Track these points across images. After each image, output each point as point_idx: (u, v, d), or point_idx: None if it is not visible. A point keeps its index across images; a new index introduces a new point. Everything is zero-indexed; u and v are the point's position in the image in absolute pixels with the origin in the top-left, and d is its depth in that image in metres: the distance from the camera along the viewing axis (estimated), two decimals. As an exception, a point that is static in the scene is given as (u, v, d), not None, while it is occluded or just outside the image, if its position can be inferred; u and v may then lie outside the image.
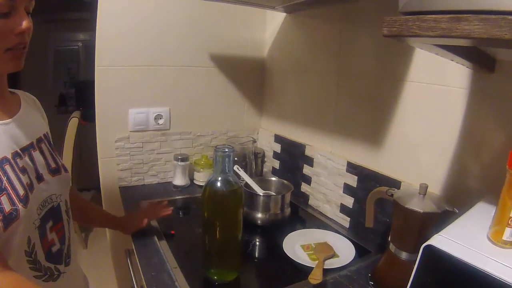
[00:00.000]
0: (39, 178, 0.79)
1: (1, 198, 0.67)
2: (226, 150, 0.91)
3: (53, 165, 0.85)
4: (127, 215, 1.28)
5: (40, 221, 0.77)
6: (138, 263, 1.08)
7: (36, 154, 0.81)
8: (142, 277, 1.02)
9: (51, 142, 0.91)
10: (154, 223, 1.29)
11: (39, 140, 0.84)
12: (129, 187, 1.65)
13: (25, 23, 0.70)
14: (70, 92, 4.42)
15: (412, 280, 0.66)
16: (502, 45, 0.60)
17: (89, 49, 4.27)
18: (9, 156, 0.72)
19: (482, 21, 0.46)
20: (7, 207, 0.67)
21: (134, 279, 1.21)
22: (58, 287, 0.82)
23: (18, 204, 0.69)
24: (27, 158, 0.77)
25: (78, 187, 3.20)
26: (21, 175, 0.73)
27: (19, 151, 0.75)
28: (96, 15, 1.46)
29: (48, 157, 0.85)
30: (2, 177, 0.69)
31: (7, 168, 0.70)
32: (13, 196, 0.69)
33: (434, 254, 0.62)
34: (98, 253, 2.16)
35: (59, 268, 0.83)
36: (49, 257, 0.79)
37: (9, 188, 0.69)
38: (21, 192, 0.71)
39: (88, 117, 2.99)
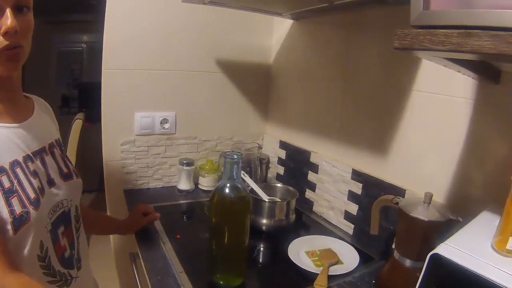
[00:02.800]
0: (51, 182, 0.80)
1: (12, 200, 0.68)
2: (235, 156, 0.92)
3: (65, 170, 0.86)
4: (129, 217, 1.29)
5: (52, 225, 0.77)
6: (144, 267, 1.08)
7: (48, 159, 0.81)
8: (148, 281, 1.02)
9: (63, 148, 0.91)
10: (159, 227, 1.30)
11: (51, 145, 0.85)
12: (134, 191, 1.66)
13: (10, 22, 0.66)
14: (73, 94, 4.44)
15: (418, 287, 0.67)
16: (510, 60, 0.62)
17: (93, 50, 4.29)
18: (20, 160, 0.73)
19: (491, 37, 0.48)
20: (17, 209, 0.68)
21: (139, 283, 1.21)
22: None
23: (29, 206, 0.70)
24: (38, 162, 0.77)
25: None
26: (32, 179, 0.73)
27: (30, 154, 0.76)
28: (101, 17, 1.47)
29: (60, 162, 0.86)
30: (13, 179, 0.70)
31: (18, 171, 0.71)
32: (24, 198, 0.70)
33: (440, 262, 0.63)
34: (100, 255, 2.16)
35: (71, 273, 0.83)
36: (63, 262, 0.80)
37: (19, 191, 0.70)
38: (32, 195, 0.72)
39: (91, 118, 3.00)
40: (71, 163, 0.91)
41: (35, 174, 0.75)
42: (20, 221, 0.68)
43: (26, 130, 0.77)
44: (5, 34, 0.67)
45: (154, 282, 1.00)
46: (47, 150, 0.82)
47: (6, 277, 0.65)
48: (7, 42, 0.68)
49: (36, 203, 0.72)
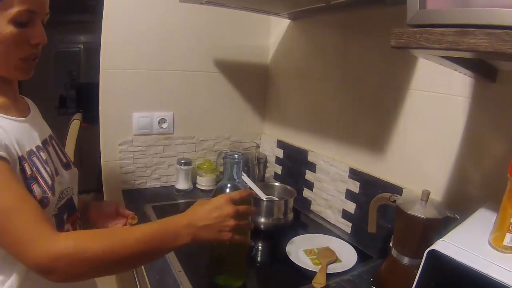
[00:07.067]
0: (56, 171, 0.83)
1: (34, 186, 0.71)
2: (236, 156, 0.92)
3: (64, 160, 0.90)
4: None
5: (58, 210, 0.81)
6: (143, 266, 1.08)
7: (51, 149, 0.86)
8: (147, 280, 1.02)
9: (57, 141, 0.95)
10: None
11: (51, 137, 0.89)
12: (132, 190, 1.66)
13: (43, 36, 0.74)
14: (71, 94, 4.41)
15: (416, 284, 0.68)
16: (506, 58, 0.62)
17: (90, 51, 4.27)
18: (34, 149, 0.77)
19: (487, 35, 0.48)
20: (38, 195, 0.72)
21: (138, 282, 1.21)
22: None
23: (48, 192, 0.74)
24: (48, 151, 0.82)
25: (78, 189, 3.20)
26: (46, 166, 0.78)
27: (40, 145, 0.80)
28: (99, 17, 1.47)
29: (60, 153, 0.90)
30: (32, 167, 0.73)
31: (35, 159, 0.75)
32: (43, 184, 0.74)
33: (437, 259, 0.63)
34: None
35: None
36: None
37: (38, 177, 0.74)
38: (49, 181, 0.76)
39: (89, 119, 2.99)
40: (67, 154, 0.95)
41: (46, 162, 0.79)
42: (41, 206, 0.71)
43: (30, 124, 0.81)
44: (37, 45, 0.75)
45: (153, 281, 1.01)
46: (48, 142, 0.86)
47: (58, 239, 0.64)
48: (33, 51, 0.75)
49: (53, 189, 0.76)
